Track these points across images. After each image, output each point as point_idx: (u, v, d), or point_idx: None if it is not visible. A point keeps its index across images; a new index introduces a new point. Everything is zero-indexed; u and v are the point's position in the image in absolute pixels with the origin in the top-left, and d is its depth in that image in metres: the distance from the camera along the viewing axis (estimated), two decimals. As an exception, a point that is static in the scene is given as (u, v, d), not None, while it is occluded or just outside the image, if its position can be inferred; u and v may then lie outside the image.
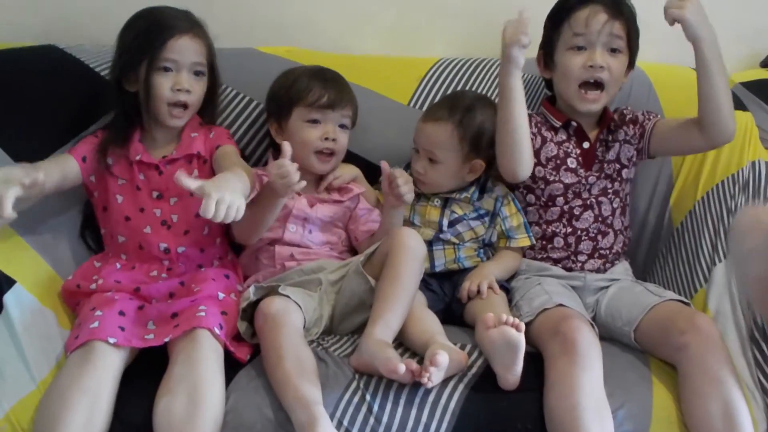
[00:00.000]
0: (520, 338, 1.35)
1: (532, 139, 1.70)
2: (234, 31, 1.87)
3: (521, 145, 1.63)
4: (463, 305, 1.67)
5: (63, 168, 1.58)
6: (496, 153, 1.67)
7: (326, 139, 1.68)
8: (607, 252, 1.75)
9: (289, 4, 2.02)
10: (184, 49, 1.59)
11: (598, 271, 1.74)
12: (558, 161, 1.74)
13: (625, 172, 1.76)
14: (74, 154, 1.62)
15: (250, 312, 1.52)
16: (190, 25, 1.62)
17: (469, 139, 1.69)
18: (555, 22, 1.73)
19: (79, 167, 1.61)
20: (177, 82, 1.59)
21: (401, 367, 1.33)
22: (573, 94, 1.70)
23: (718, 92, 1.60)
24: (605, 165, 1.75)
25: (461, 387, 1.40)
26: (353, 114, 1.74)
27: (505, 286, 1.69)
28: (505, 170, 1.67)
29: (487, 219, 1.76)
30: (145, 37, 1.58)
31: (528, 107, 1.88)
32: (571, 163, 1.74)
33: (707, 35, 1.57)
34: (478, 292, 1.63)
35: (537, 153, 1.73)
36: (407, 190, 1.60)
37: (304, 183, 1.47)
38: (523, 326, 1.35)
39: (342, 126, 1.72)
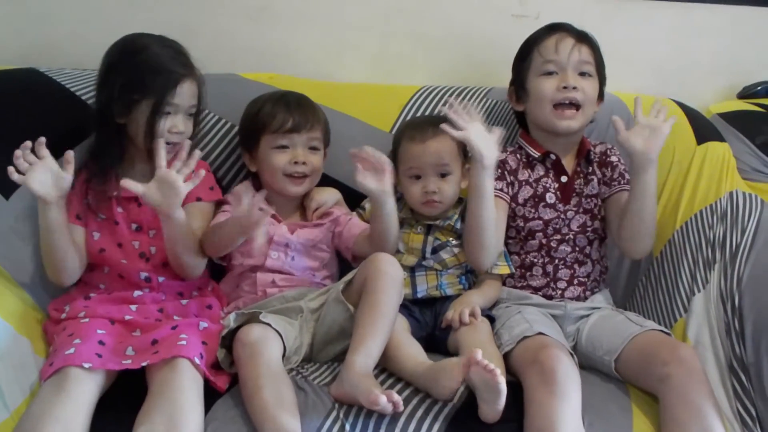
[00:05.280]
0: (501, 385, 1.33)
1: (508, 186, 1.74)
2: (217, 57, 1.88)
3: (488, 239, 1.65)
4: (448, 333, 1.66)
5: (81, 239, 1.62)
6: (464, 244, 1.71)
7: (295, 163, 1.68)
8: (586, 280, 1.76)
9: (273, 31, 2.03)
10: (185, 95, 1.61)
11: (578, 299, 1.75)
12: (536, 199, 1.75)
13: (600, 214, 1.78)
14: (69, 218, 1.60)
15: (229, 339, 1.50)
16: (189, 68, 1.62)
17: (463, 147, 1.73)
18: (524, 54, 1.78)
19: (81, 226, 1.62)
20: (174, 125, 1.60)
21: (382, 398, 1.32)
22: (549, 116, 1.72)
23: (649, 214, 1.66)
24: (584, 199, 1.77)
25: (441, 418, 1.39)
26: (323, 134, 1.74)
27: (490, 315, 1.69)
28: (470, 258, 1.71)
29: (469, 246, 1.77)
30: (153, 80, 1.57)
31: (511, 138, 1.91)
32: (550, 198, 1.75)
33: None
34: (461, 322, 1.62)
35: (514, 197, 1.76)
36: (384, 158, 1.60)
37: (269, 212, 1.52)
38: (497, 371, 1.33)
39: (312, 148, 1.72)
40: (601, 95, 1.79)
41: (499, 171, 1.75)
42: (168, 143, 1.60)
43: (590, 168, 1.79)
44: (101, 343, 1.43)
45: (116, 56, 1.62)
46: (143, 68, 1.58)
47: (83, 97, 1.77)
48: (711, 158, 1.88)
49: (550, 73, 1.72)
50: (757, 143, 1.96)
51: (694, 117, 1.97)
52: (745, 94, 2.12)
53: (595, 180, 1.78)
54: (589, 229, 1.77)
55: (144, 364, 1.38)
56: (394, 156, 1.78)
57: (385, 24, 2.06)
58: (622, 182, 1.78)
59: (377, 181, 1.58)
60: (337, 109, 1.86)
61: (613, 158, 1.80)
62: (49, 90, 1.79)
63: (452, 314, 1.64)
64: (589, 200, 1.77)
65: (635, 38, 2.09)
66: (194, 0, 2.00)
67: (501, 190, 1.74)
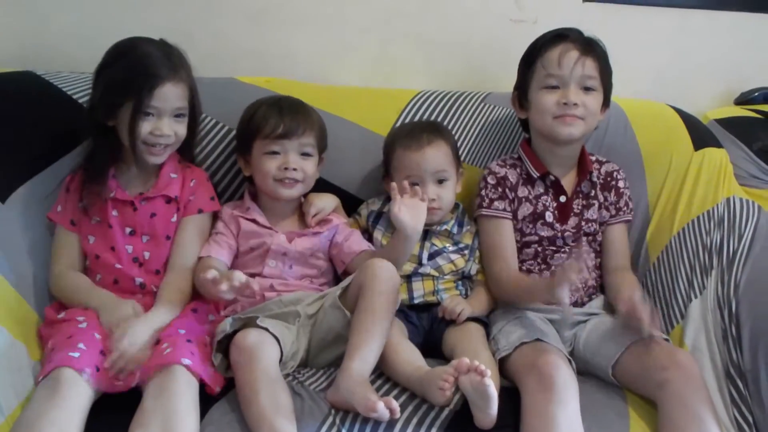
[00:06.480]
0: (489, 388, 1.32)
1: (510, 205, 1.74)
2: (214, 61, 1.88)
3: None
4: (442, 336, 1.66)
5: (74, 247, 1.63)
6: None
7: (286, 168, 1.67)
8: (583, 285, 1.75)
9: (271, 34, 2.03)
10: (167, 97, 1.58)
11: (575, 304, 1.75)
12: (535, 216, 1.75)
13: (600, 234, 1.79)
14: (64, 224, 1.63)
15: (225, 344, 1.49)
16: (175, 70, 1.60)
17: (457, 151, 1.74)
18: (528, 62, 1.76)
19: (75, 233, 1.63)
20: (157, 128, 1.58)
21: (380, 405, 1.32)
22: (550, 125, 1.70)
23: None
24: (583, 222, 1.76)
25: (438, 424, 1.39)
26: (317, 140, 1.72)
27: (484, 321, 1.69)
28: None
29: (467, 252, 1.77)
30: (132, 82, 1.56)
31: (507, 143, 1.90)
32: (549, 217, 1.75)
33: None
34: (454, 321, 1.64)
35: (514, 214, 1.76)
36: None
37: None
38: (488, 372, 1.32)
39: (304, 154, 1.70)
40: (606, 102, 1.77)
41: (500, 189, 1.75)
42: (156, 145, 1.60)
43: (593, 191, 1.78)
44: (103, 353, 1.42)
45: (106, 58, 1.62)
46: (126, 70, 1.57)
47: (80, 101, 1.76)
48: (708, 164, 1.89)
49: (552, 87, 1.70)
50: (754, 149, 1.97)
51: (691, 123, 1.97)
52: (742, 100, 2.13)
53: (597, 205, 1.78)
54: (583, 242, 1.76)
55: (133, 386, 1.38)
56: (386, 165, 1.78)
57: (383, 28, 2.06)
58: (624, 213, 1.79)
59: (413, 218, 1.58)
60: (335, 113, 1.86)
61: (620, 183, 1.81)
62: (46, 93, 1.78)
63: (449, 303, 1.65)
64: (588, 224, 1.77)
65: (633, 44, 2.10)
66: (192, 3, 1.99)
67: (504, 209, 1.74)
